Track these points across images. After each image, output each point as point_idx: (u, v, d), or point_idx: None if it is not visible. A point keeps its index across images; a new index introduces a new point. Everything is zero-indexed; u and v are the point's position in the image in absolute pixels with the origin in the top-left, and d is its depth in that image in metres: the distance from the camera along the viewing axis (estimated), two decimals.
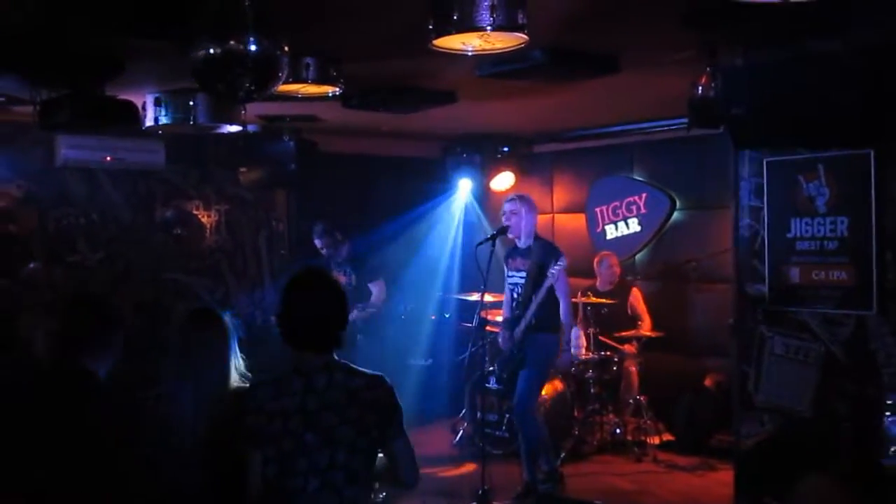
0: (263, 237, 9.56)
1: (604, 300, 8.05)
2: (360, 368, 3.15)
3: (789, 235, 5.14)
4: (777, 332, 5.18)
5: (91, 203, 8.33)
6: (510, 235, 6.75)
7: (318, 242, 8.26)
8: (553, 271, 6.43)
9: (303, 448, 2.99)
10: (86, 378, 3.36)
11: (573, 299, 7.86)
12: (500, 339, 6.96)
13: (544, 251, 6.61)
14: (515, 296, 6.77)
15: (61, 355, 3.43)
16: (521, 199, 6.81)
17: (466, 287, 9.37)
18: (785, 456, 4.85)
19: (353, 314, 7.73)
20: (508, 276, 6.87)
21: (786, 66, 4.66)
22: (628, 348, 8.03)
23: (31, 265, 7.15)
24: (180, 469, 3.48)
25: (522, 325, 6.60)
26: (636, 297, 8.32)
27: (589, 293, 8.12)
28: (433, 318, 9.66)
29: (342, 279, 7.90)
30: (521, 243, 6.75)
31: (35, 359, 4.88)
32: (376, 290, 8.17)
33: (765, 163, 5.23)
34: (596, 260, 8.48)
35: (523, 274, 6.67)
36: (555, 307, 6.63)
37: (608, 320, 8.05)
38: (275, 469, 3.01)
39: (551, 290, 6.52)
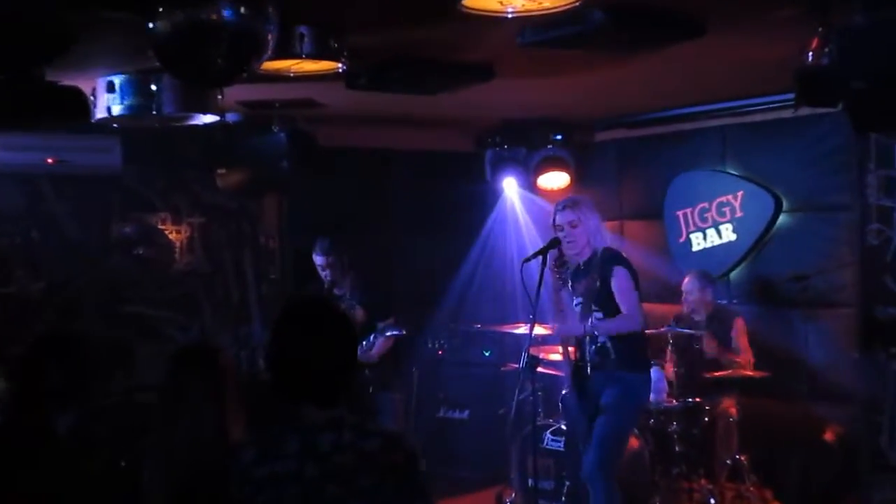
0: (249, 257, 9.60)
1: (694, 332, 7.99)
2: (375, 426, 3.14)
3: None
4: None
5: (30, 218, 8.40)
6: (569, 253, 6.72)
7: (318, 260, 8.25)
8: (613, 280, 6.46)
9: None
10: (43, 436, 3.40)
11: (652, 330, 7.84)
12: (563, 394, 6.96)
13: (604, 260, 6.62)
14: None
15: (20, 409, 3.46)
16: (577, 204, 6.75)
17: (512, 317, 9.36)
18: None
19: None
20: (576, 305, 6.86)
21: None
22: (725, 402, 7.94)
23: None
24: None
25: (590, 349, 6.63)
26: (739, 331, 8.24)
27: (674, 322, 8.09)
28: (470, 357, 9.65)
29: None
30: (582, 257, 6.75)
31: None
32: (382, 338, 8.07)
33: None
34: (685, 280, 8.43)
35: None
36: (639, 340, 6.64)
37: (700, 358, 7.99)
38: None
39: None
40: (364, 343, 7.76)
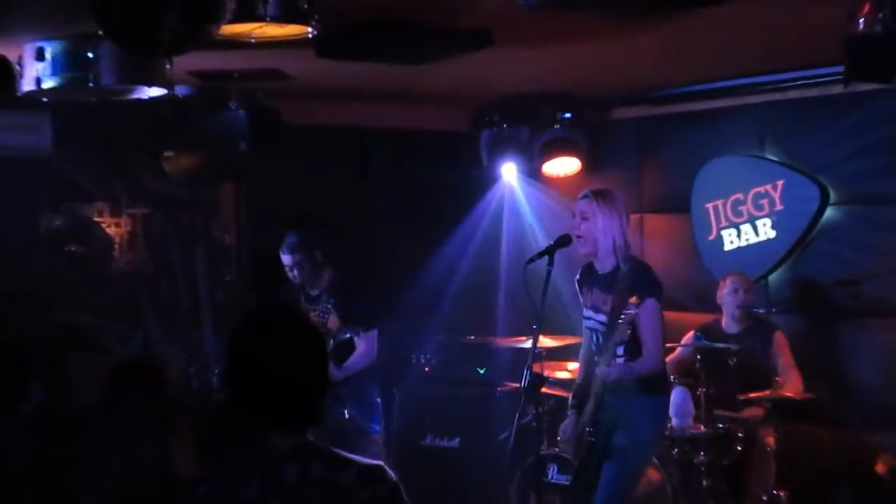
0: (201, 255, 9.60)
1: (728, 345, 7.99)
2: (350, 455, 3.15)
3: None
4: None
5: None
6: (581, 251, 6.68)
7: (285, 260, 8.25)
8: (630, 311, 6.35)
9: None
10: None
11: (673, 343, 7.84)
12: (561, 429, 6.95)
13: (634, 280, 6.50)
14: (594, 347, 6.74)
15: None
16: (599, 195, 6.64)
17: (514, 328, 9.36)
18: None
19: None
20: (585, 318, 6.83)
21: None
22: (752, 412, 7.94)
23: None
24: None
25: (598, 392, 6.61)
26: (780, 346, 8.23)
27: (699, 334, 8.11)
28: (461, 375, 9.66)
29: (319, 321, 7.85)
30: (602, 265, 6.71)
31: None
32: (364, 344, 8.08)
33: None
34: (722, 284, 8.42)
35: (603, 317, 6.59)
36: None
37: (735, 377, 7.99)
38: None
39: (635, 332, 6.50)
40: None
